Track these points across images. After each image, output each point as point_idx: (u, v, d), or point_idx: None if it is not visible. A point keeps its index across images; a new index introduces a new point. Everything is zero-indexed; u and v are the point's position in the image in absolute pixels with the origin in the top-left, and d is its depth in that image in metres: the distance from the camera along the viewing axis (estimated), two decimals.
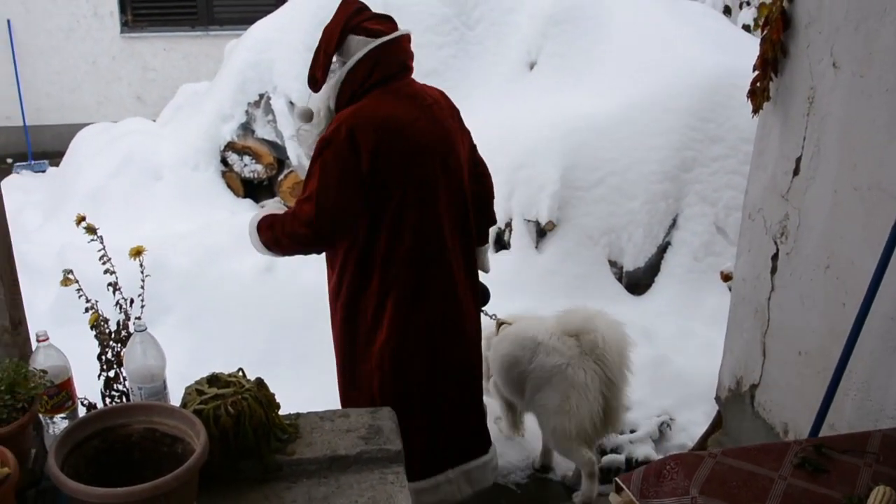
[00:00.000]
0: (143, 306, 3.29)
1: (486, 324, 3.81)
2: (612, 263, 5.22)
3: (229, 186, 6.40)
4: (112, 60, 9.39)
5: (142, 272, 3.34)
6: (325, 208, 2.99)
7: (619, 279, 5.23)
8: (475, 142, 3.55)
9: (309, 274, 5.20)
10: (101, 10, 9.23)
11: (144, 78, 9.52)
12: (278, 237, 3.17)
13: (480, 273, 3.60)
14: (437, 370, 3.33)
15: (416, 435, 3.00)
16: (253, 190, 6.46)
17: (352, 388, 3.43)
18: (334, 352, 3.49)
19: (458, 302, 3.33)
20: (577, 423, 3.65)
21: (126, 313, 3.29)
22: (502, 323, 4.06)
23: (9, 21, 9.04)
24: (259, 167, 6.30)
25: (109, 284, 3.28)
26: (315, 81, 3.21)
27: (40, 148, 9.24)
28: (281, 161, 6.29)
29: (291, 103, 6.14)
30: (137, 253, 3.36)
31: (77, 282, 3.24)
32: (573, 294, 5.07)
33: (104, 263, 3.29)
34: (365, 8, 3.15)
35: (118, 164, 6.53)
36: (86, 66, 9.42)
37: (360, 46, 3.04)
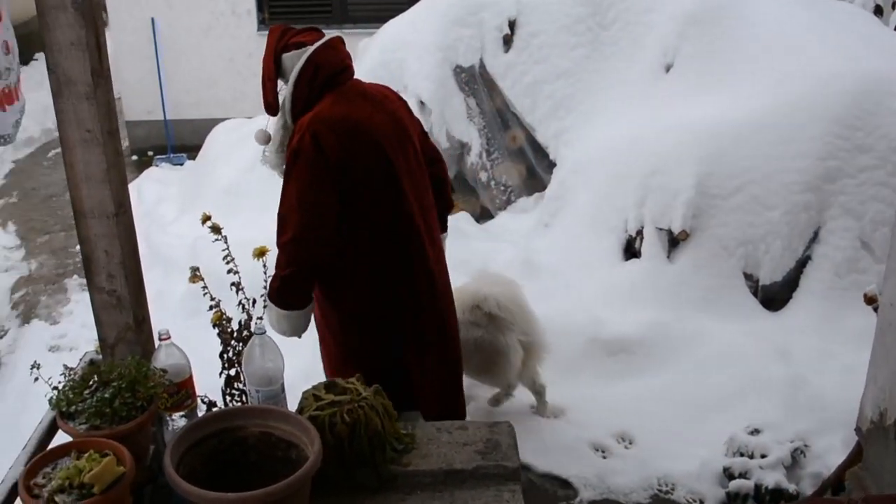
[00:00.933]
0: (265, 306, 3.29)
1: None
2: (748, 276, 4.99)
3: None
4: (248, 57, 9.54)
5: (265, 272, 3.34)
6: (306, 212, 3.12)
7: (755, 293, 5.00)
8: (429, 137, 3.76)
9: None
10: (239, 8, 9.41)
11: None
12: (280, 275, 3.23)
13: None
14: (418, 336, 3.49)
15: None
16: None
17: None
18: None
19: (432, 274, 3.48)
20: (508, 380, 4.29)
21: (248, 313, 3.30)
22: None
23: (153, 19, 9.31)
24: None
25: (233, 284, 3.30)
26: (270, 106, 3.33)
27: (179, 141, 9.49)
28: None
29: (422, 103, 6.11)
30: (261, 254, 3.37)
31: (202, 279, 3.26)
32: (705, 307, 4.90)
33: (227, 263, 3.31)
34: (289, 29, 3.35)
35: (251, 160, 6.62)
36: (223, 62, 9.62)
37: (296, 60, 3.23)
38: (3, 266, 6.98)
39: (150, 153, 9.59)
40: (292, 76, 3.22)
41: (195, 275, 3.27)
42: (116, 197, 2.46)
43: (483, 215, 6.27)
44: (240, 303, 3.30)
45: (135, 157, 9.63)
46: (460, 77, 6.16)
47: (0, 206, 8.47)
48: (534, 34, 6.13)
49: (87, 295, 2.63)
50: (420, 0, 7.07)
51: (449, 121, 6.14)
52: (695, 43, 5.67)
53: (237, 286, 3.30)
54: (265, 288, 3.33)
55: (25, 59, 13.12)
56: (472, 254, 5.33)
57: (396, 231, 3.35)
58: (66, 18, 2.24)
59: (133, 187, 7.87)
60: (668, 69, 5.77)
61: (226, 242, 3.31)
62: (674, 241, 5.04)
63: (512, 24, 6.15)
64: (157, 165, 9.06)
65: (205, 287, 3.27)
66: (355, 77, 3.41)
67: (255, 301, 3.32)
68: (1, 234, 7.63)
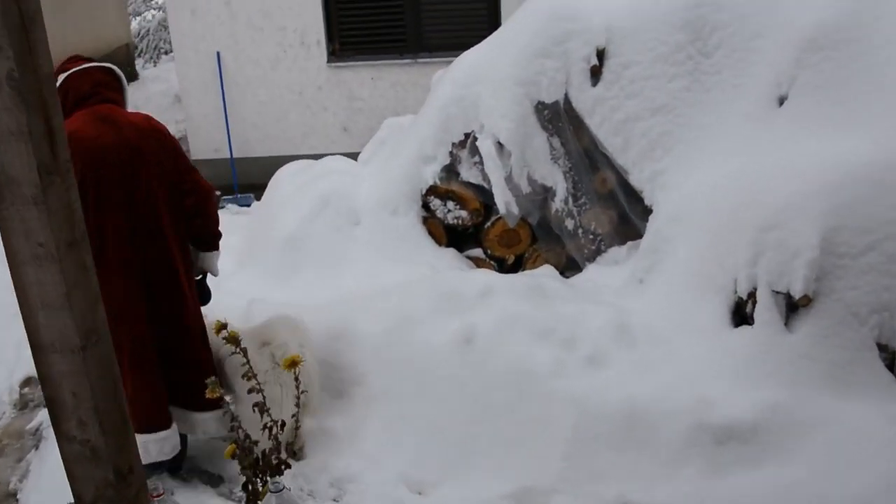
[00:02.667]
0: (297, 427, 2.71)
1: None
2: (882, 348, 4.21)
3: (431, 234, 5.82)
4: (318, 91, 9.11)
5: (297, 387, 2.75)
6: None
7: (891, 368, 4.22)
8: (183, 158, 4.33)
9: (516, 347, 4.54)
10: (308, 38, 8.95)
11: (351, 108, 9.18)
12: None
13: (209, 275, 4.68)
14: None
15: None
16: (457, 238, 5.86)
17: None
18: None
19: (135, 284, 4.06)
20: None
21: (276, 439, 2.71)
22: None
23: (218, 53, 8.92)
24: (464, 213, 5.69)
25: (255, 405, 2.71)
26: None
27: (247, 180, 9.08)
28: (488, 207, 5.65)
29: (500, 144, 5.48)
30: (293, 364, 2.78)
31: (222, 390, 2.70)
32: (832, 385, 4.16)
33: (249, 380, 2.72)
34: (75, 58, 4.15)
35: (315, 207, 6.11)
36: (292, 96, 9.19)
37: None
38: None
39: (218, 193, 9.18)
40: None
41: (213, 388, 2.71)
42: (84, 325, 1.89)
43: (569, 266, 5.61)
44: (265, 426, 2.71)
45: None
46: (543, 114, 5.51)
47: None
48: (625, 65, 5.42)
49: None
50: (499, 27, 6.49)
51: (530, 163, 5.50)
52: (814, 71, 4.88)
53: (260, 407, 2.71)
54: (297, 406, 2.75)
55: None
56: (558, 320, 4.66)
57: (97, 233, 3.83)
58: (2, 100, 1.68)
59: None
60: (781, 102, 5.01)
61: (245, 356, 2.73)
62: (793, 307, 4.30)
63: (601, 55, 5.46)
64: (222, 206, 8.65)
65: (223, 398, 2.70)
66: (110, 104, 4.03)
67: (283, 424, 2.73)
68: None
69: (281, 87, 9.17)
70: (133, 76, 15.07)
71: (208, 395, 2.73)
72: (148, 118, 4.22)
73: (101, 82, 4.07)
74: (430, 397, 4.53)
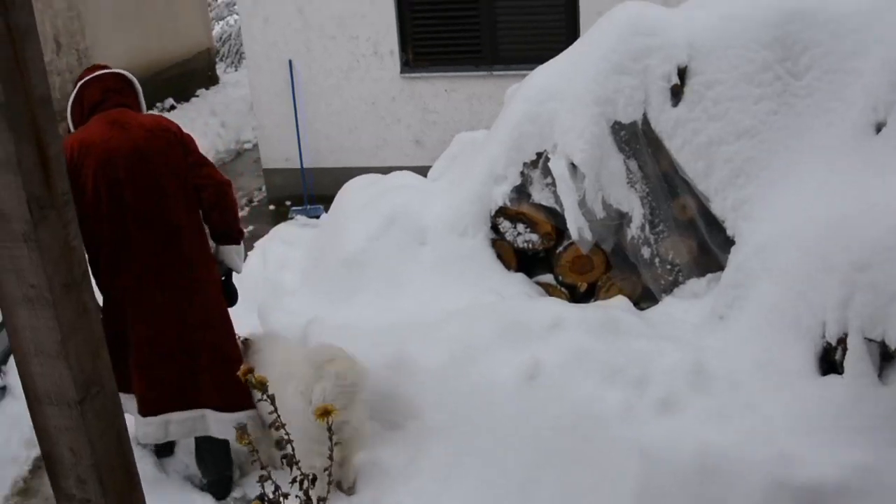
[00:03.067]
0: (329, 481, 2.47)
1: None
2: None
3: (500, 257, 5.54)
4: (392, 101, 8.92)
5: (330, 438, 2.51)
6: None
7: None
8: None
9: (583, 386, 4.26)
10: (382, 48, 8.78)
11: (425, 120, 8.98)
12: None
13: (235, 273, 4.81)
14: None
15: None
16: (527, 262, 5.58)
17: None
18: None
19: (148, 277, 4.27)
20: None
21: (307, 494, 2.48)
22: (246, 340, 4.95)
23: (290, 61, 8.80)
24: (534, 237, 5.42)
25: (284, 457, 2.48)
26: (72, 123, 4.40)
27: (318, 191, 8.94)
28: (560, 231, 5.36)
29: (573, 165, 5.19)
30: (325, 413, 2.53)
31: (251, 443, 2.47)
32: None
33: (277, 429, 2.50)
34: (94, 66, 4.45)
35: (381, 225, 5.87)
36: (365, 106, 9.02)
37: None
38: None
39: (288, 203, 9.07)
40: (69, 101, 4.30)
41: (243, 434, 2.49)
42: (82, 375, 1.70)
43: (645, 297, 5.29)
44: (294, 479, 2.49)
45: (272, 207, 9.16)
46: (619, 135, 5.20)
47: None
48: (709, 84, 5.08)
49: None
50: (577, 40, 6.21)
51: (605, 186, 5.19)
52: None
53: (290, 459, 2.48)
54: (330, 458, 2.52)
55: (187, 97, 13.06)
56: (629, 358, 4.37)
57: (111, 232, 4.16)
58: None
59: (258, 247, 7.32)
60: (878, 129, 4.63)
61: (273, 403, 2.51)
62: (888, 356, 3.94)
63: (682, 73, 5.13)
64: (292, 217, 8.54)
65: (253, 451, 2.48)
66: (122, 108, 4.28)
67: (314, 478, 2.50)
68: None
69: (354, 97, 9.02)
70: (214, 80, 15.13)
71: (238, 440, 2.53)
72: (157, 118, 4.44)
73: (113, 88, 4.31)
74: (489, 436, 4.29)
